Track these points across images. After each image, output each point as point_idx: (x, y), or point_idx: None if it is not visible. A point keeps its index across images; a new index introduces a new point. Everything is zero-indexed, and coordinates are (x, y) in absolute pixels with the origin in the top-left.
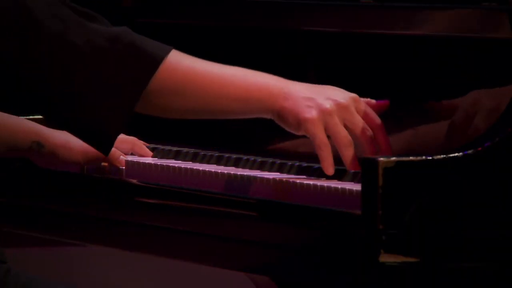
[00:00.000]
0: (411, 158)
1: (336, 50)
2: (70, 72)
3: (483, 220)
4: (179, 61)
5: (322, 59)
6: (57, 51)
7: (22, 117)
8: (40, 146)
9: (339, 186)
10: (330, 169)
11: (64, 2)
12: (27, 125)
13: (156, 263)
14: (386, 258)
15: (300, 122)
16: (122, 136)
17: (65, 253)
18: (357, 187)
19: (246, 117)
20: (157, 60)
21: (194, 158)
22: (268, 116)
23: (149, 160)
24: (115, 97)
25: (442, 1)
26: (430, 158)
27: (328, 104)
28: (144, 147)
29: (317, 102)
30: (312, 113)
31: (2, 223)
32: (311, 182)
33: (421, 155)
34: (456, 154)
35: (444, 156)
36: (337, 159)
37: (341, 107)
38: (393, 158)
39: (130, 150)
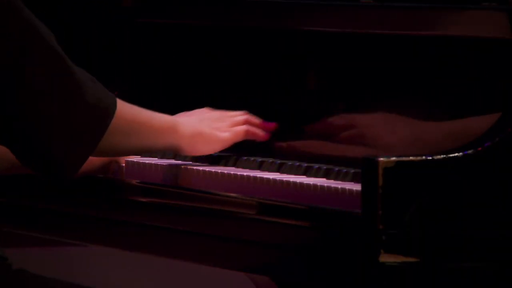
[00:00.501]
0: (411, 158)
1: (336, 50)
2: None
3: (483, 220)
4: (122, 104)
5: (322, 59)
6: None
7: None
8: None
9: (339, 186)
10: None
11: None
12: None
13: (156, 263)
14: (386, 258)
15: (216, 138)
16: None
17: (65, 253)
18: (357, 187)
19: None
20: (115, 104)
21: (194, 158)
22: (177, 148)
23: (149, 160)
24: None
25: (442, 1)
26: (430, 158)
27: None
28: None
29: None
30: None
31: (2, 223)
32: (311, 182)
33: (421, 155)
34: (456, 154)
35: (444, 156)
36: (337, 159)
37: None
38: (393, 158)
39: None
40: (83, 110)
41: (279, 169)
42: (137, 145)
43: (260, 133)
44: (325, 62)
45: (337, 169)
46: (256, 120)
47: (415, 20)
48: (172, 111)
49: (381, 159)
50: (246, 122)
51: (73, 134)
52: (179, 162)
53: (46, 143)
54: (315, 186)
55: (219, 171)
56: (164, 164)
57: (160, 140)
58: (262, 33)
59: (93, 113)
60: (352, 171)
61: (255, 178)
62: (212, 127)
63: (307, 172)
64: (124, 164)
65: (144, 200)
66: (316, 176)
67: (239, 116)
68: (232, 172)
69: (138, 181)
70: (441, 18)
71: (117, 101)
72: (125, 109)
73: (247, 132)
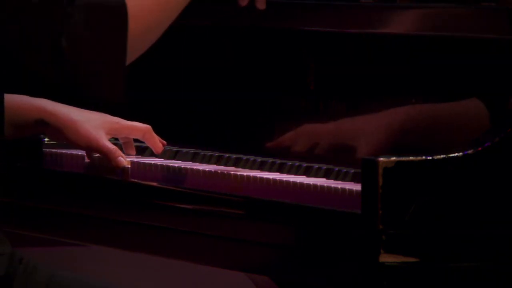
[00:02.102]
0: (411, 158)
1: (336, 50)
2: None
3: (483, 220)
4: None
5: (321, 59)
6: None
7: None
8: (45, 124)
9: (339, 186)
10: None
11: None
12: (30, 102)
13: (156, 263)
14: (386, 258)
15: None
16: (136, 123)
17: (65, 253)
18: (357, 187)
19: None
20: (123, 6)
21: (194, 158)
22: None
23: (149, 160)
24: (106, 55)
25: (442, 1)
26: (430, 158)
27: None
28: (156, 137)
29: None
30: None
31: (4, 223)
32: (311, 182)
33: (421, 155)
34: (456, 154)
35: (444, 156)
36: (337, 159)
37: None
38: (393, 158)
39: (142, 138)
40: None
41: (279, 169)
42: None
43: None
44: (325, 62)
45: (337, 169)
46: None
47: (414, 20)
48: (172, 111)
49: (381, 159)
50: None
51: None
52: (179, 162)
53: None
54: (315, 186)
55: (219, 171)
56: (164, 164)
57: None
58: (262, 33)
59: None
60: (352, 171)
61: (255, 178)
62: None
63: (307, 172)
64: (129, 166)
65: (143, 200)
66: (316, 176)
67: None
68: (232, 172)
69: (138, 180)
70: (441, 18)
71: None
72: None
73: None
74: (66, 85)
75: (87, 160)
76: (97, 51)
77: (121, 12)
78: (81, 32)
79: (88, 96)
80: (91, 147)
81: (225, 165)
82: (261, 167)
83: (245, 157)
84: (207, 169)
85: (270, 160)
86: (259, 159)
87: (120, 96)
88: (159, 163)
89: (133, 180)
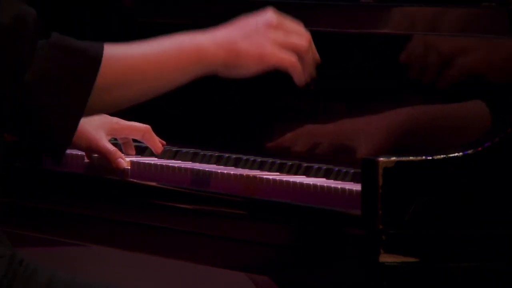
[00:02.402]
0: (411, 158)
1: (336, 50)
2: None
3: (483, 220)
4: (114, 53)
5: (322, 59)
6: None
7: None
8: None
9: (339, 186)
10: (302, 81)
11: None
12: None
13: (156, 263)
14: (386, 258)
15: (259, 57)
16: (135, 124)
17: (65, 253)
18: (357, 187)
19: (191, 80)
20: (98, 58)
21: (194, 158)
22: (212, 72)
23: (149, 160)
24: (65, 101)
25: (442, 1)
26: (430, 158)
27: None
28: (156, 137)
29: (256, 35)
30: (264, 46)
31: (4, 223)
32: (311, 182)
33: (421, 155)
34: (456, 154)
35: (444, 156)
36: (337, 159)
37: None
38: (393, 158)
39: (141, 138)
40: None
41: (279, 169)
42: (144, 91)
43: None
44: (325, 62)
45: (337, 169)
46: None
47: (415, 20)
48: (172, 111)
49: (381, 159)
50: (307, 48)
51: (55, 97)
52: (179, 162)
53: (34, 110)
54: (315, 186)
55: (219, 171)
56: (163, 164)
57: (178, 75)
58: None
59: (74, 68)
60: (352, 171)
61: (255, 178)
62: (257, 45)
63: (307, 172)
64: (129, 167)
65: (144, 200)
66: (316, 176)
67: (302, 41)
68: (232, 172)
69: (138, 181)
70: (441, 18)
71: (107, 51)
72: (117, 57)
73: (292, 64)
74: (15, 115)
75: (86, 160)
76: (58, 97)
77: (95, 63)
78: (48, 72)
79: (33, 130)
80: (91, 148)
81: (225, 165)
82: (261, 167)
83: (245, 157)
84: (206, 169)
85: (270, 160)
86: (259, 159)
87: (65, 141)
88: (158, 163)
89: (132, 180)
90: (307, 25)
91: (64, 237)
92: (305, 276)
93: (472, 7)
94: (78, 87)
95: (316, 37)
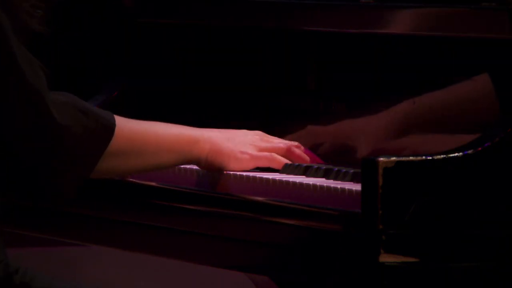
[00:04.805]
0: (411, 158)
1: (336, 50)
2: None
3: (483, 220)
4: (123, 125)
5: (322, 59)
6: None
7: None
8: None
9: (339, 186)
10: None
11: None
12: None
13: (156, 263)
14: (386, 258)
15: (234, 158)
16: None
17: (65, 253)
18: (357, 187)
19: (178, 165)
20: (111, 127)
21: None
22: (196, 163)
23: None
24: (74, 165)
25: (442, 1)
26: (430, 158)
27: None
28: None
29: (239, 139)
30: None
31: (4, 223)
32: (310, 182)
33: (421, 155)
34: (456, 154)
35: (444, 156)
36: (337, 159)
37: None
38: (393, 158)
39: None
40: (67, 149)
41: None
42: (141, 165)
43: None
44: (325, 62)
45: (336, 169)
46: (298, 151)
47: (415, 20)
48: (173, 110)
49: (381, 159)
50: (287, 151)
51: (62, 163)
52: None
53: (36, 171)
54: (314, 186)
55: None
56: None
57: (172, 156)
58: (262, 33)
59: (88, 137)
60: (352, 171)
61: (254, 178)
62: (237, 146)
63: (306, 172)
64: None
65: (144, 200)
66: (315, 176)
67: (281, 143)
68: (232, 172)
69: (138, 181)
70: (441, 18)
71: (116, 120)
72: (126, 128)
73: (270, 159)
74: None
75: None
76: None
77: (110, 128)
78: (57, 126)
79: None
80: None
81: None
82: None
83: None
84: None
85: None
86: None
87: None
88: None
89: (132, 180)
90: (307, 25)
91: (64, 237)
92: (305, 276)
93: (472, 7)
94: (95, 146)
95: (316, 37)
